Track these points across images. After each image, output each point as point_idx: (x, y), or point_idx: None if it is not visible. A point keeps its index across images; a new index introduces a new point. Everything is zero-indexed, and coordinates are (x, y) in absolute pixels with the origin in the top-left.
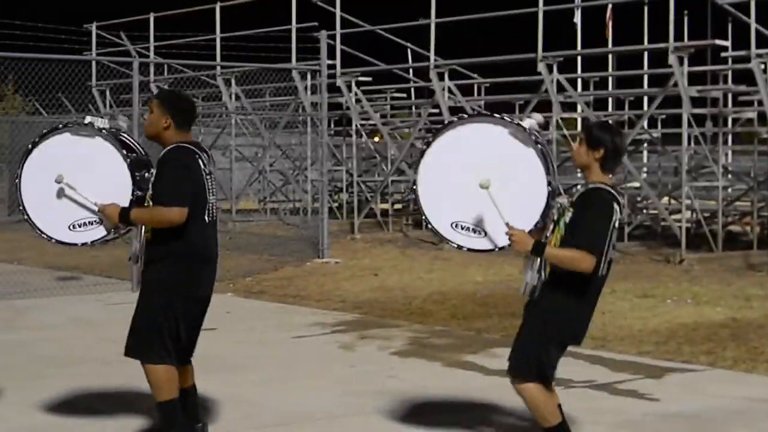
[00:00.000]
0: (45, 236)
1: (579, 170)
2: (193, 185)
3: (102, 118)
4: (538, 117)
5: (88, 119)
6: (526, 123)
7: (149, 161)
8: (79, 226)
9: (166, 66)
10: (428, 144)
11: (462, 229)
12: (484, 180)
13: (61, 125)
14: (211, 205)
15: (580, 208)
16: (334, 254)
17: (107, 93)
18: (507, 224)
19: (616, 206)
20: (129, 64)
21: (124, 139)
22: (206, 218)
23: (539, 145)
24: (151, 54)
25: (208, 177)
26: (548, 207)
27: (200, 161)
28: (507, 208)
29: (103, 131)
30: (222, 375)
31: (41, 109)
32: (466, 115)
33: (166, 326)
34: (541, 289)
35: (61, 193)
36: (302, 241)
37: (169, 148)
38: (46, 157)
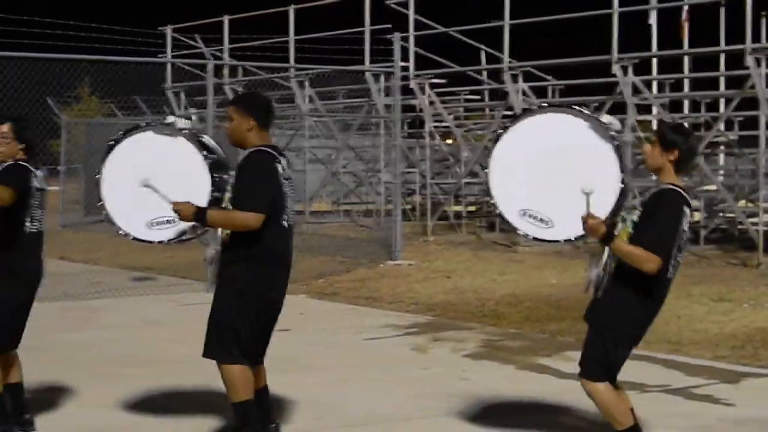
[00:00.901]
0: (123, 232)
1: (652, 173)
2: (272, 191)
3: (184, 118)
4: (616, 123)
5: (170, 119)
6: (606, 119)
7: (227, 163)
8: (158, 224)
9: (240, 68)
10: (505, 128)
11: (531, 217)
12: (588, 186)
13: (144, 123)
14: (288, 210)
15: (649, 208)
16: (407, 256)
17: (182, 95)
18: (587, 212)
19: (686, 209)
20: (203, 67)
21: (203, 140)
22: (284, 223)
23: (616, 142)
24: (226, 56)
25: (285, 182)
26: (619, 204)
27: (279, 166)
28: (579, 200)
29: (185, 131)
30: (295, 376)
31: (117, 111)
32: (546, 104)
33: (240, 327)
34: (605, 287)
35: (140, 191)
36: (375, 243)
37: (250, 151)
38: (127, 155)
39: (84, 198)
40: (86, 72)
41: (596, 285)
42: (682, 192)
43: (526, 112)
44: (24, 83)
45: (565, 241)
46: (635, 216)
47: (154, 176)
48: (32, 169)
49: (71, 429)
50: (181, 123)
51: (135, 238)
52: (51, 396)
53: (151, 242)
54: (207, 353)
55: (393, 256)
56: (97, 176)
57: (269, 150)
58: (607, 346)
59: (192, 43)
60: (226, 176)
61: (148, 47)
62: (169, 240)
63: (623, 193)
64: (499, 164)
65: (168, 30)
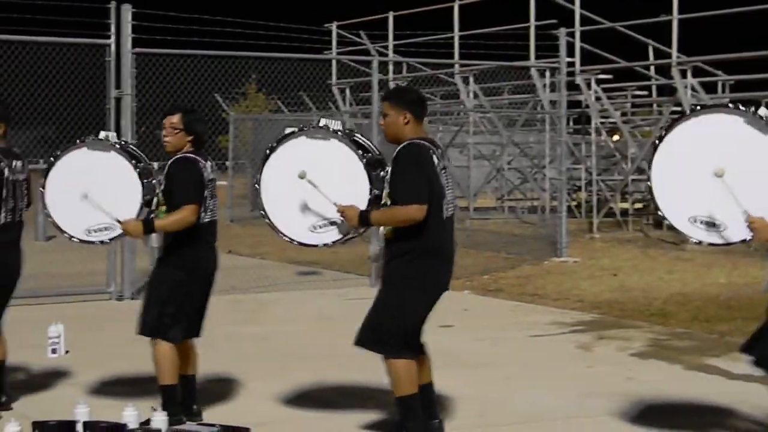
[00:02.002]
0: (287, 239)
1: None
2: (429, 181)
3: (336, 119)
4: None
5: (322, 122)
6: (762, 112)
7: (383, 160)
8: (320, 227)
9: (404, 64)
10: (660, 139)
11: (701, 223)
12: (719, 168)
13: (297, 129)
14: (447, 200)
15: None
16: (573, 253)
17: (347, 91)
18: (745, 212)
19: None
20: (368, 63)
21: (357, 139)
22: (443, 214)
23: None
24: (390, 52)
25: (442, 172)
26: None
27: (434, 156)
28: (745, 197)
29: (338, 133)
30: (458, 372)
31: (283, 107)
32: (698, 107)
33: (405, 321)
34: None
35: (300, 196)
36: (540, 240)
37: (402, 144)
38: (283, 161)
39: (251, 193)
40: (253, 69)
41: None
42: None
43: (679, 119)
44: (194, 80)
45: (740, 242)
46: None
47: (313, 179)
48: (200, 159)
49: (238, 420)
50: (334, 124)
51: (300, 243)
52: (219, 387)
53: (315, 246)
54: (367, 346)
55: (558, 252)
56: (257, 186)
57: (422, 141)
58: None
59: (357, 39)
60: (383, 173)
61: (313, 44)
62: (333, 242)
63: None
64: (660, 174)
65: (333, 27)
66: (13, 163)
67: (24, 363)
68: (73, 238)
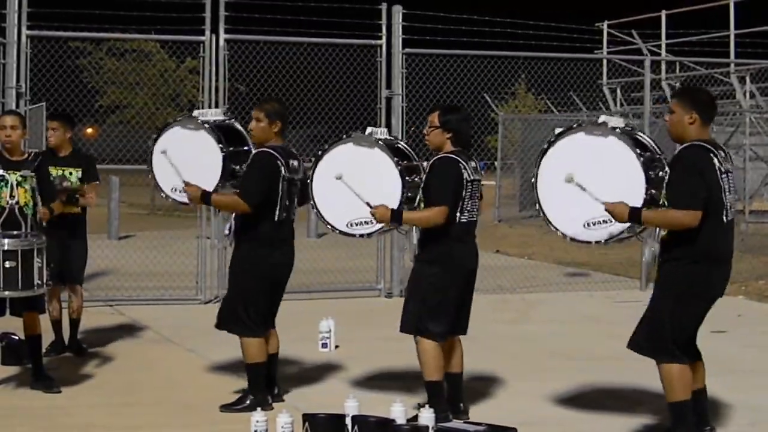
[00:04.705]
0: (560, 233)
1: None
2: (707, 187)
3: (616, 116)
4: (615, 120)
5: (602, 119)
6: (613, 122)
7: (663, 160)
8: (594, 225)
9: (677, 64)
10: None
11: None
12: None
13: (575, 125)
14: (727, 205)
15: None
16: None
17: (617, 91)
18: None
19: None
20: (640, 62)
21: (638, 137)
22: (723, 218)
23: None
24: (663, 52)
25: (723, 176)
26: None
27: (716, 159)
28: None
29: (617, 130)
30: (730, 378)
31: (552, 108)
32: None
33: (679, 326)
34: None
35: (572, 192)
36: None
37: (683, 146)
38: (559, 157)
39: (519, 193)
40: (523, 68)
41: None
42: None
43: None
44: (463, 80)
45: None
46: None
47: (586, 176)
48: (461, 160)
49: (504, 420)
50: (614, 122)
51: (572, 239)
52: (485, 385)
53: (588, 242)
54: (636, 347)
55: None
56: (533, 180)
57: (704, 144)
58: None
59: (628, 39)
60: (661, 173)
61: (583, 43)
62: (605, 240)
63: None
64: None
65: (604, 26)
66: (290, 162)
67: (296, 356)
68: (335, 230)
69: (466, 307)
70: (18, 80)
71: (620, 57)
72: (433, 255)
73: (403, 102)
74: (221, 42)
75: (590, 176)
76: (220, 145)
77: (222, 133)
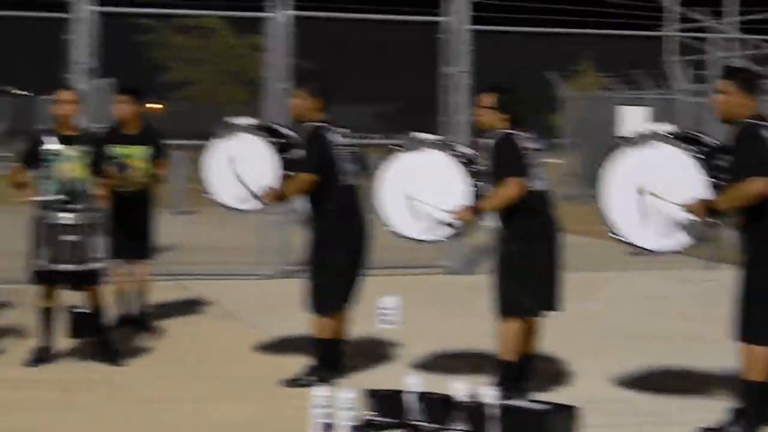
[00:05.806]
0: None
1: None
2: None
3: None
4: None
5: (646, 128)
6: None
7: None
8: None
9: (744, 41)
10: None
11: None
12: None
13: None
14: None
15: None
16: None
17: (682, 69)
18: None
19: None
20: (705, 40)
21: (689, 135)
22: None
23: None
24: (729, 29)
25: None
26: None
27: None
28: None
29: (664, 138)
30: None
31: (615, 86)
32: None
33: None
34: None
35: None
36: None
37: (742, 125)
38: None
39: (582, 171)
40: (587, 46)
41: None
42: None
43: None
44: (528, 57)
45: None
46: None
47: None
48: (518, 133)
49: (567, 398)
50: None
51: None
52: (548, 365)
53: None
54: (751, 339)
55: None
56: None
57: (759, 122)
58: None
59: (696, 16)
60: (721, 163)
61: (647, 20)
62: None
63: None
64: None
65: (666, 3)
66: (336, 133)
67: (361, 333)
68: (409, 239)
69: (557, 281)
70: (85, 55)
71: (685, 35)
72: (514, 229)
73: (468, 80)
74: (287, 18)
75: (659, 186)
76: (271, 141)
77: (264, 131)
